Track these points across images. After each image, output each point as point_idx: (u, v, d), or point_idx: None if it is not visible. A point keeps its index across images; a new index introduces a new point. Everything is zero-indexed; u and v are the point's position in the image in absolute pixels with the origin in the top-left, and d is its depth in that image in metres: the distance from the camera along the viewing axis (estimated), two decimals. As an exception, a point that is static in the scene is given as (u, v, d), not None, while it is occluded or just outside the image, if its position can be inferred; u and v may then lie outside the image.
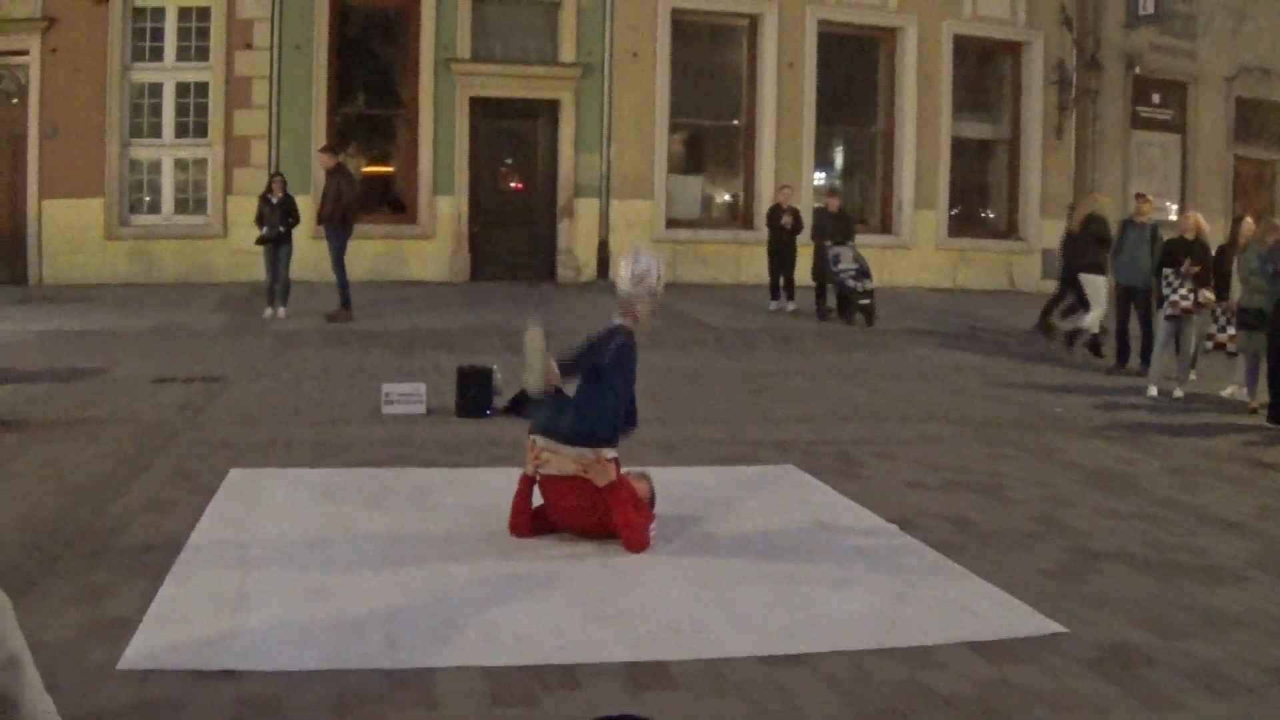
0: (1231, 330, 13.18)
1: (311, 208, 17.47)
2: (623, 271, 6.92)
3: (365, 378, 12.40)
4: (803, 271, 19.00)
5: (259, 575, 6.02)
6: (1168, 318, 13.19)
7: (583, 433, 6.64)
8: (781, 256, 18.99)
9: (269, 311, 16.37)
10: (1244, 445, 10.68)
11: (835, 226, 18.54)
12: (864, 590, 6.07)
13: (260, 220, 16.35)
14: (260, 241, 16.42)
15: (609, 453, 6.68)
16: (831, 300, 18.41)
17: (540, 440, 6.71)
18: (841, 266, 17.94)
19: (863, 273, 17.94)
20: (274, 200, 16.30)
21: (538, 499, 6.87)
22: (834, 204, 19.06)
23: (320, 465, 8.62)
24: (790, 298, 19.02)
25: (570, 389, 6.87)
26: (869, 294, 17.77)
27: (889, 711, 4.67)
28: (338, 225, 16.41)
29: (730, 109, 22.69)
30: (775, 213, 18.97)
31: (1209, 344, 13.70)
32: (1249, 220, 14.13)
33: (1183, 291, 13.06)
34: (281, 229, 16.25)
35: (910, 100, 22.85)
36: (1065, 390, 13.25)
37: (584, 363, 6.88)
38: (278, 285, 16.41)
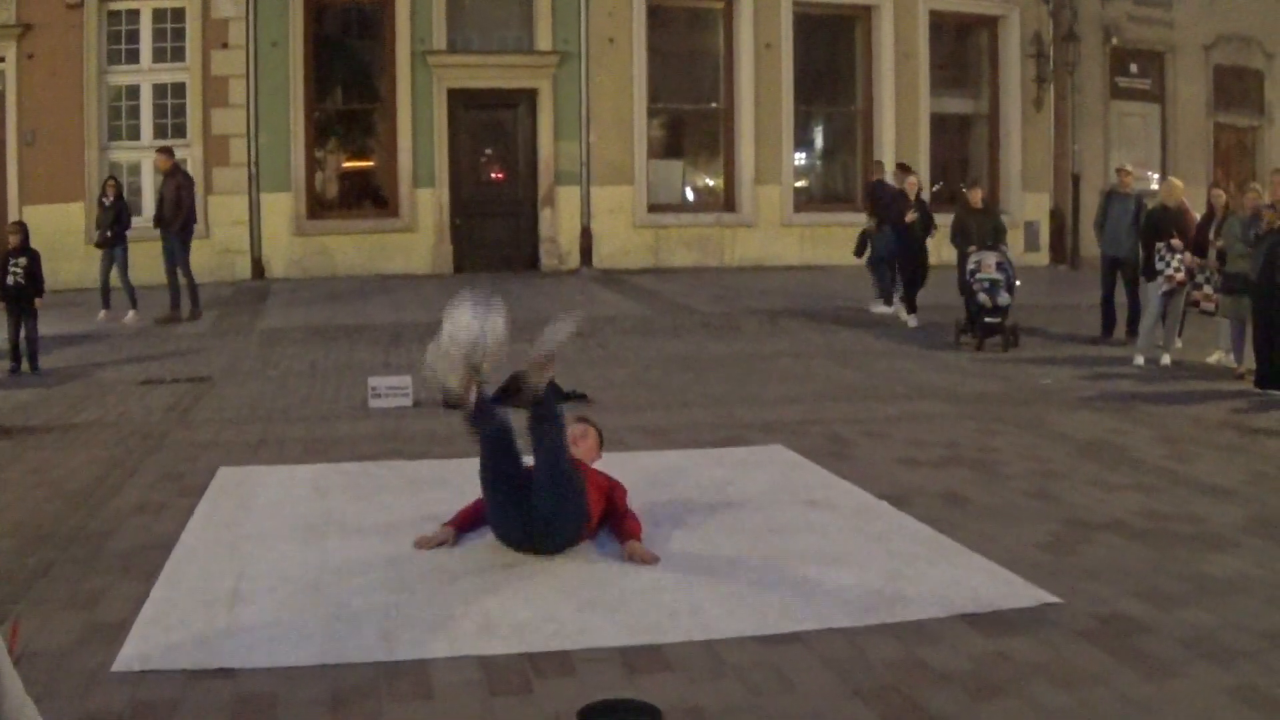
0: (1209, 289, 13.24)
1: (295, 205, 17.26)
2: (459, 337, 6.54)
3: (352, 373, 12.38)
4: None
5: (251, 573, 6.01)
6: (1163, 293, 13.23)
7: (562, 543, 6.29)
8: (906, 257, 16.30)
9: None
10: (1233, 412, 10.71)
11: (980, 227, 15.07)
12: (858, 568, 6.07)
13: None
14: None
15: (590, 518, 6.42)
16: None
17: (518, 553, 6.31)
18: (980, 276, 14.35)
19: (997, 284, 14.25)
20: (106, 203, 16.48)
21: None
22: (976, 198, 15.58)
23: (310, 461, 8.60)
24: (889, 304, 16.72)
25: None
26: (1000, 310, 14.20)
27: (886, 688, 4.67)
28: (178, 230, 16.26)
29: (709, 92, 22.64)
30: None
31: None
32: (1218, 191, 14.26)
33: (1175, 264, 13.12)
34: (109, 233, 16.33)
35: (888, 78, 22.78)
36: (1052, 363, 13.26)
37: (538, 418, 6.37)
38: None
